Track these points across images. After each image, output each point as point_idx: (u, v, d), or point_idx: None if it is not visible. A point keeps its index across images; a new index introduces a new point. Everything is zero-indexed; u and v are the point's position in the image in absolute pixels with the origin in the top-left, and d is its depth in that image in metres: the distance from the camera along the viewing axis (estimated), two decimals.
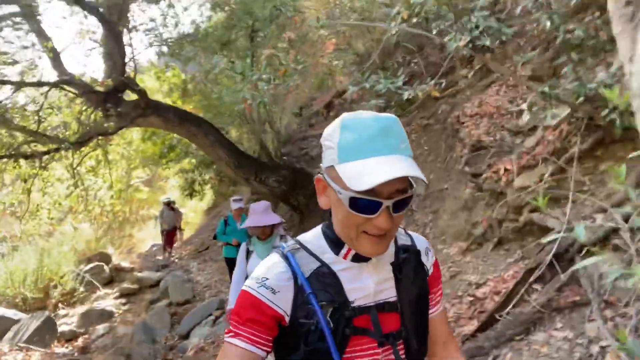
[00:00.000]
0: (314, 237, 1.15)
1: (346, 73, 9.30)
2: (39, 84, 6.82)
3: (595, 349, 2.67)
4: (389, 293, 1.12)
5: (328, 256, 1.10)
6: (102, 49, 7.59)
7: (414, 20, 3.68)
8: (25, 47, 7.12)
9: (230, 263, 6.54)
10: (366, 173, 0.93)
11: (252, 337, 1.03)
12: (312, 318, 1.04)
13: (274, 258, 1.12)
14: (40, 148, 7.06)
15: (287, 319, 1.06)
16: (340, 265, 1.09)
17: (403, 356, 1.12)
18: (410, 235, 1.24)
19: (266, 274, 1.08)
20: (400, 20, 3.58)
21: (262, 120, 10.30)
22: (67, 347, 7.78)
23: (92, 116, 8.21)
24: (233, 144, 9.75)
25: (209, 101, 8.97)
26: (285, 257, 1.10)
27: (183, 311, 8.28)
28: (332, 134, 1.03)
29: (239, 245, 5.97)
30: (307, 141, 13.28)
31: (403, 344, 1.12)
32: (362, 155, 0.96)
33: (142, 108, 8.52)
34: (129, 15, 8.45)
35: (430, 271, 1.23)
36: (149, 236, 16.82)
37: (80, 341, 8.02)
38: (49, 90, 6.91)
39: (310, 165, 11.33)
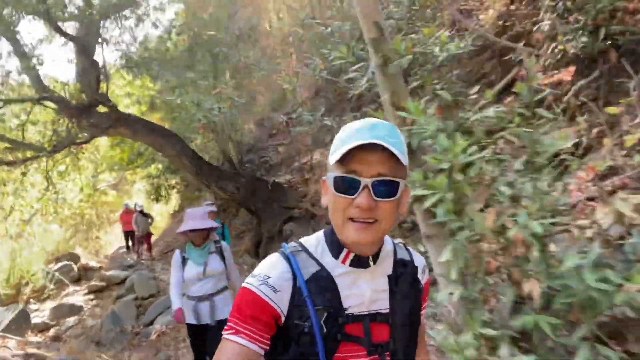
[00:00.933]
0: (316, 239, 1.17)
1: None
2: (22, 100, 7.65)
3: None
4: (382, 304, 1.13)
5: (328, 260, 1.12)
6: (75, 67, 8.46)
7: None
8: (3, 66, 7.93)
9: None
10: (343, 149, 1.01)
11: (253, 334, 1.04)
12: (306, 321, 1.06)
13: (276, 257, 1.14)
14: (20, 156, 7.88)
15: (282, 318, 1.08)
16: (339, 270, 1.11)
17: None
18: (409, 252, 1.25)
19: (268, 273, 1.10)
20: (319, 69, 4.75)
21: (225, 133, 11.31)
22: (40, 337, 8.57)
23: (67, 126, 9.07)
24: (196, 153, 10.73)
25: (175, 114, 9.94)
26: (287, 258, 1.12)
27: (148, 304, 9.19)
28: (335, 138, 1.10)
29: None
30: (267, 150, 14.33)
31: (390, 356, 1.13)
32: (347, 142, 1.01)
33: (112, 120, 9.42)
34: (100, 31, 9.34)
35: (423, 288, 1.26)
36: (116, 239, 17.49)
37: (52, 331, 8.81)
38: (33, 107, 7.76)
39: (269, 173, 12.37)
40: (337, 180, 1.03)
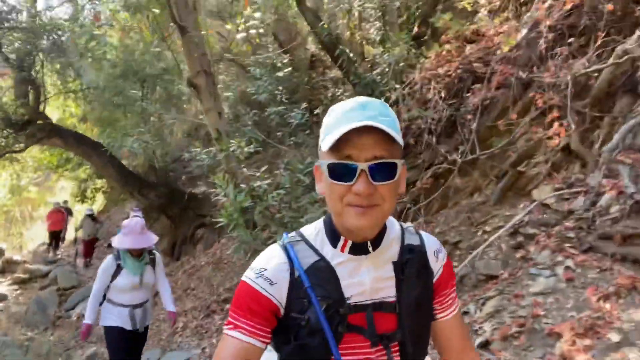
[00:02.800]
0: (315, 229, 1.13)
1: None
2: None
3: None
4: (388, 292, 1.08)
5: (327, 249, 1.08)
6: (14, 88, 9.85)
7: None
8: None
9: None
10: (335, 134, 0.94)
11: (251, 328, 1.03)
12: (304, 313, 1.03)
13: (274, 249, 1.11)
14: None
15: (281, 311, 1.05)
16: (338, 259, 1.07)
17: (397, 359, 1.08)
18: (420, 235, 1.18)
19: (265, 265, 1.07)
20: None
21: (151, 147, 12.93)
22: None
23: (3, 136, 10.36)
24: (122, 164, 12.25)
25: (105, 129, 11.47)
26: (285, 249, 1.09)
27: (69, 294, 10.59)
28: (323, 122, 1.03)
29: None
30: (191, 162, 15.95)
31: (398, 346, 1.08)
32: (338, 126, 0.95)
33: (47, 131, 10.79)
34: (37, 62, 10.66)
35: (440, 273, 1.17)
36: (37, 235, 18.23)
37: None
38: None
39: (190, 184, 14.01)
40: (331, 167, 0.97)
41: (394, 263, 1.09)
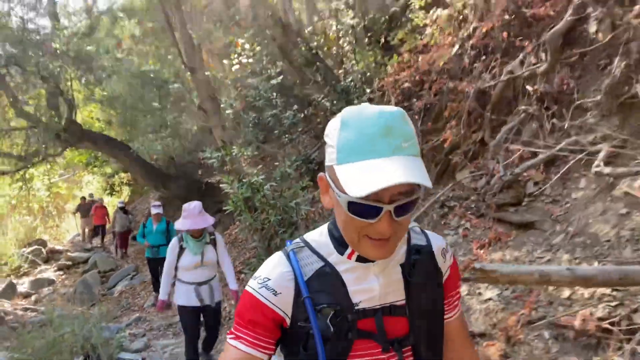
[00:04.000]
0: (320, 235, 1.11)
1: None
2: (18, 129, 10.54)
3: None
4: (397, 296, 1.06)
5: (333, 256, 1.06)
6: (47, 102, 11.46)
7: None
8: None
9: (149, 262, 7.83)
10: (364, 178, 0.87)
11: (253, 340, 1.02)
12: (310, 322, 1.00)
13: (278, 257, 1.09)
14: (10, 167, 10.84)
15: (288, 321, 1.04)
16: (344, 265, 1.05)
17: None
18: (426, 235, 1.17)
19: (268, 274, 1.05)
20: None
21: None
22: (25, 301, 11.51)
23: (40, 141, 11.98)
24: (145, 161, 13.81)
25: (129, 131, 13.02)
26: (288, 257, 1.07)
27: (109, 275, 12.28)
28: (332, 131, 0.97)
29: (151, 247, 7.23)
30: (206, 147, 17.47)
31: (412, 350, 1.06)
32: (360, 156, 0.89)
33: (79, 136, 12.37)
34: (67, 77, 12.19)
35: (448, 273, 1.16)
36: (70, 227, 20.10)
37: (33, 297, 11.75)
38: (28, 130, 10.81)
39: (206, 174, 15.55)
40: (352, 204, 0.92)
41: (402, 265, 1.07)
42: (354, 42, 7.24)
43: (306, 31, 7.57)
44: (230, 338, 1.05)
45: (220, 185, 6.25)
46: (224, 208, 5.65)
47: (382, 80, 6.85)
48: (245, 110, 7.57)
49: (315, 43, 7.26)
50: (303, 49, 7.00)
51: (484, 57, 5.31)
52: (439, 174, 5.49)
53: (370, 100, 6.72)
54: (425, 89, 6.01)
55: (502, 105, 4.94)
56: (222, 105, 7.18)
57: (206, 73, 6.52)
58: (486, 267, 2.54)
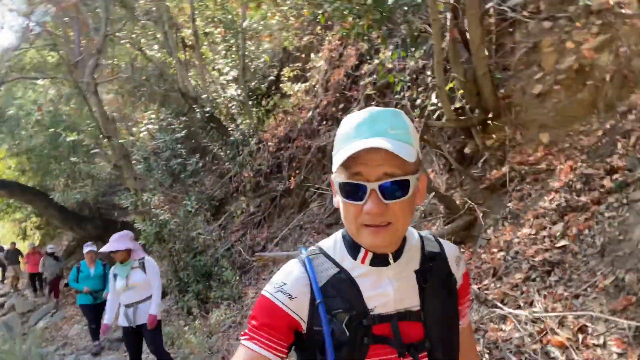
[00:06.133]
0: (334, 242, 1.14)
1: None
2: None
3: None
4: (412, 302, 1.08)
5: (347, 261, 1.08)
6: None
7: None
8: None
9: (85, 309, 7.50)
10: (345, 153, 0.94)
11: (267, 342, 1.03)
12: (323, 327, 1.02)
13: (293, 263, 1.12)
14: None
15: (303, 326, 1.06)
16: (359, 270, 1.07)
17: None
18: (439, 243, 1.20)
19: (284, 279, 1.08)
20: None
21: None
22: None
23: None
24: (60, 205, 14.72)
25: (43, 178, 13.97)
26: (303, 263, 1.09)
27: (29, 316, 12.97)
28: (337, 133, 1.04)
29: (90, 293, 6.99)
30: (118, 191, 18.52)
31: (427, 355, 1.07)
32: (348, 142, 0.96)
33: None
34: None
35: (460, 282, 1.19)
36: None
37: None
38: None
39: (121, 214, 16.62)
40: (342, 186, 0.99)
41: (416, 272, 1.09)
42: (240, 106, 9.31)
43: (202, 97, 9.51)
44: (245, 339, 1.06)
45: (134, 224, 7.86)
46: (110, 250, 6.22)
47: (263, 133, 8.97)
48: (155, 160, 9.25)
49: (208, 108, 9.21)
50: (198, 112, 8.95)
51: (324, 122, 7.59)
52: (299, 205, 7.62)
53: (258, 149, 8.78)
54: (290, 144, 8.19)
55: None
56: (133, 162, 8.83)
57: (120, 141, 8.18)
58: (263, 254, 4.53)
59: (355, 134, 0.97)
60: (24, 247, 22.26)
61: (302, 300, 1.06)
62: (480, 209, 4.55)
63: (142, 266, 4.60)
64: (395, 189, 0.97)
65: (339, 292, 1.05)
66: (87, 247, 7.37)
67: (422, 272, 1.10)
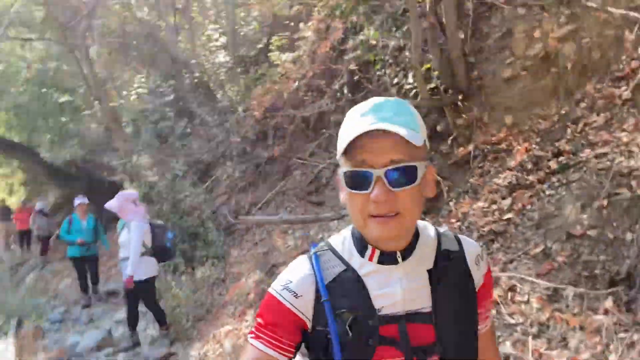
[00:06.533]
0: (343, 238, 1.11)
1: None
2: None
3: None
4: (423, 302, 1.03)
5: (355, 259, 1.06)
6: None
7: None
8: None
9: (76, 262, 7.71)
10: (348, 138, 0.93)
11: (272, 340, 1.02)
12: (329, 326, 1.00)
13: (301, 260, 1.11)
14: None
15: (309, 324, 1.05)
16: (366, 268, 1.04)
17: None
18: (459, 240, 1.14)
19: (290, 277, 1.07)
20: None
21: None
22: None
23: None
24: (47, 162, 14.90)
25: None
26: (311, 260, 1.08)
27: (17, 268, 13.37)
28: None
29: (83, 245, 7.26)
30: (105, 151, 18.71)
31: (439, 359, 1.03)
32: (351, 131, 0.94)
33: None
34: None
35: (481, 282, 1.13)
36: None
37: None
38: None
39: (109, 173, 16.87)
40: (347, 175, 0.96)
41: (429, 271, 1.05)
42: (228, 73, 9.53)
43: (191, 62, 9.69)
44: (251, 337, 1.06)
45: (123, 184, 8.19)
46: (105, 207, 6.00)
47: (250, 101, 9.24)
48: (143, 122, 9.51)
49: (197, 73, 9.41)
50: (187, 77, 9.16)
51: (310, 93, 7.89)
52: (283, 172, 8.01)
53: (243, 118, 9.08)
54: (276, 113, 8.49)
55: (318, 127, 7.57)
56: (123, 124, 9.08)
57: (111, 104, 8.39)
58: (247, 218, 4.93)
59: (358, 123, 0.95)
60: (11, 203, 22.62)
61: (307, 299, 1.05)
62: (445, 182, 4.99)
63: (129, 227, 5.09)
64: (403, 176, 0.94)
65: (344, 290, 1.03)
66: (79, 200, 7.58)
67: (435, 272, 1.06)
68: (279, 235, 6.58)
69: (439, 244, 1.10)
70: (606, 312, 2.49)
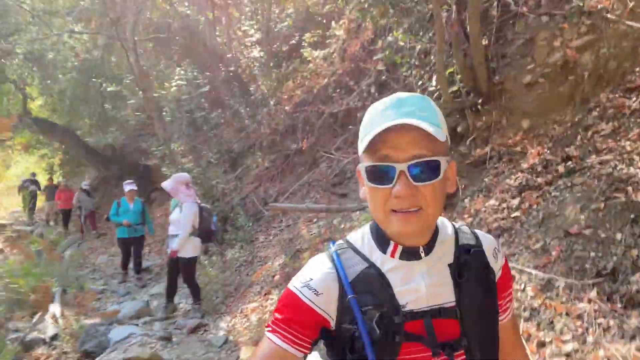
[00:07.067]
0: (363, 235, 1.11)
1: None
2: None
3: None
4: (446, 297, 1.04)
5: (376, 255, 1.06)
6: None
7: None
8: None
9: (123, 243, 8.20)
10: (370, 134, 0.93)
11: (289, 336, 1.02)
12: (356, 324, 0.99)
13: (321, 258, 1.10)
14: None
15: (332, 322, 1.04)
16: (389, 264, 1.04)
17: None
18: (475, 235, 1.15)
19: (311, 274, 1.06)
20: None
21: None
22: None
23: None
24: (89, 146, 15.76)
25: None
26: (332, 258, 1.07)
27: (55, 243, 14.26)
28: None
29: (130, 226, 7.76)
30: (142, 137, 19.55)
31: (465, 354, 1.03)
32: (374, 126, 0.94)
33: (31, 125, 14.20)
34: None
35: (499, 274, 1.14)
36: (9, 204, 21.37)
37: None
38: None
39: (143, 157, 17.68)
40: (369, 170, 0.96)
41: (450, 266, 1.06)
42: (261, 68, 10.00)
43: (227, 56, 10.20)
44: (268, 331, 1.06)
45: (161, 169, 8.79)
46: (161, 186, 6.89)
47: (282, 95, 9.69)
48: (180, 112, 10.07)
49: (232, 67, 9.91)
50: (223, 70, 9.67)
51: (338, 90, 8.28)
52: (309, 164, 8.45)
53: (276, 111, 9.54)
54: (306, 107, 8.92)
55: (345, 123, 7.95)
56: (164, 113, 9.67)
57: (154, 95, 8.99)
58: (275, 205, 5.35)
59: (381, 118, 0.95)
60: (45, 182, 23.88)
61: (329, 296, 1.03)
62: (462, 181, 5.32)
63: (181, 207, 5.51)
64: (426, 171, 0.94)
65: (368, 287, 1.02)
66: (129, 186, 8.09)
67: (456, 266, 1.06)
68: (303, 223, 7.01)
69: (457, 239, 1.11)
70: (589, 301, 2.82)
